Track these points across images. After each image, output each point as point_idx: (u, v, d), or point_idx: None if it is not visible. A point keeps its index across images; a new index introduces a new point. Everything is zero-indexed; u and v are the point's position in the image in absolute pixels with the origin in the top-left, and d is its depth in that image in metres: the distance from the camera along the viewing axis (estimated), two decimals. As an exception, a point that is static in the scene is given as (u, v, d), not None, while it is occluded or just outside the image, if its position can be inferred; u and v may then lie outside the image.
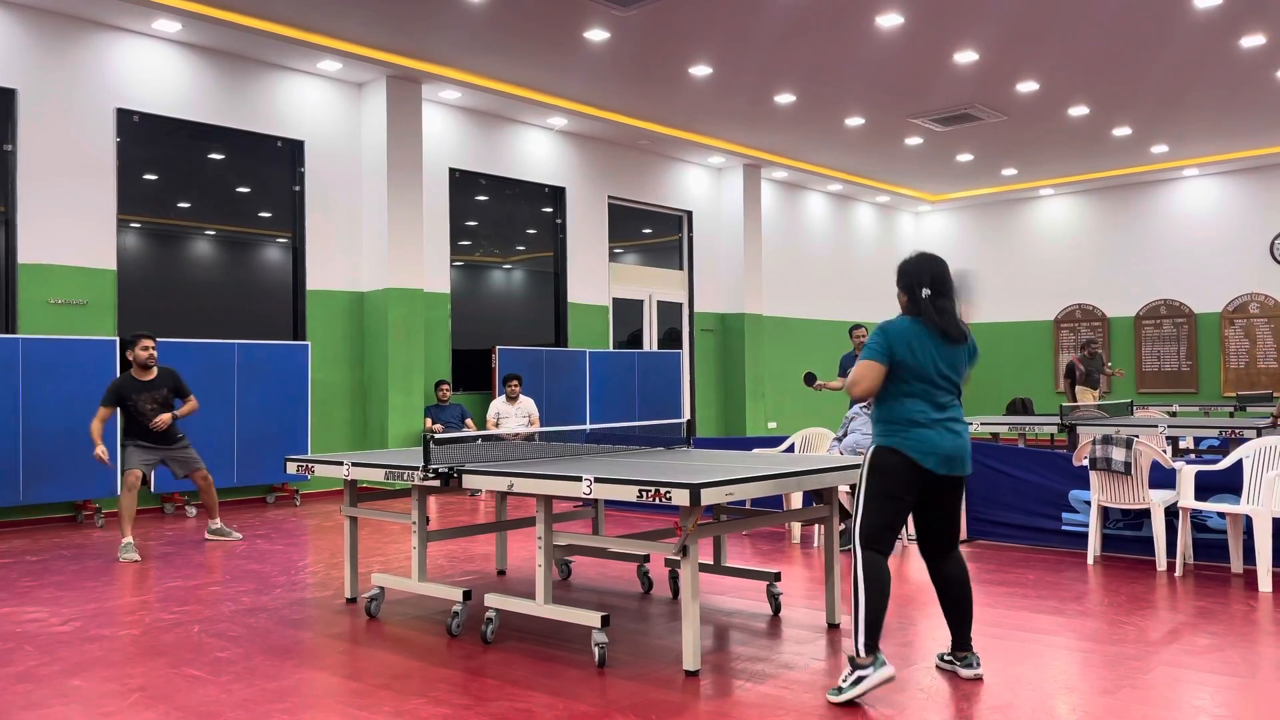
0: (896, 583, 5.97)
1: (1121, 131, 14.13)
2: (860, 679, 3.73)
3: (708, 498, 3.88)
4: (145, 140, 9.83)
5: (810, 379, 7.92)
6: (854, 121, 13.50)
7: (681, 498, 3.86)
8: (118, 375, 7.44)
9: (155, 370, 7.52)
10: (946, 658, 4.17)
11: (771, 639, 4.71)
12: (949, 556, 4.07)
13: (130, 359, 7.46)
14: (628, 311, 14.64)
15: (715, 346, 15.81)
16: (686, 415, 15.14)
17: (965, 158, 15.74)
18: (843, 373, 10.73)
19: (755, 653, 4.48)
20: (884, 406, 3.93)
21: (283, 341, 10.29)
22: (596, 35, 10.08)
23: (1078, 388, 13.52)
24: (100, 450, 7.15)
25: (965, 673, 4.06)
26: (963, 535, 7.53)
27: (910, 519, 4.32)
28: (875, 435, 3.96)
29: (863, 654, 3.76)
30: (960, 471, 3.91)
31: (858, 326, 10.78)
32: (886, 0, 9.30)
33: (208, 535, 7.86)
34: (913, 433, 3.85)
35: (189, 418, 8.49)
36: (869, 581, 3.80)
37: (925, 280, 3.93)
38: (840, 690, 3.75)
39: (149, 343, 7.46)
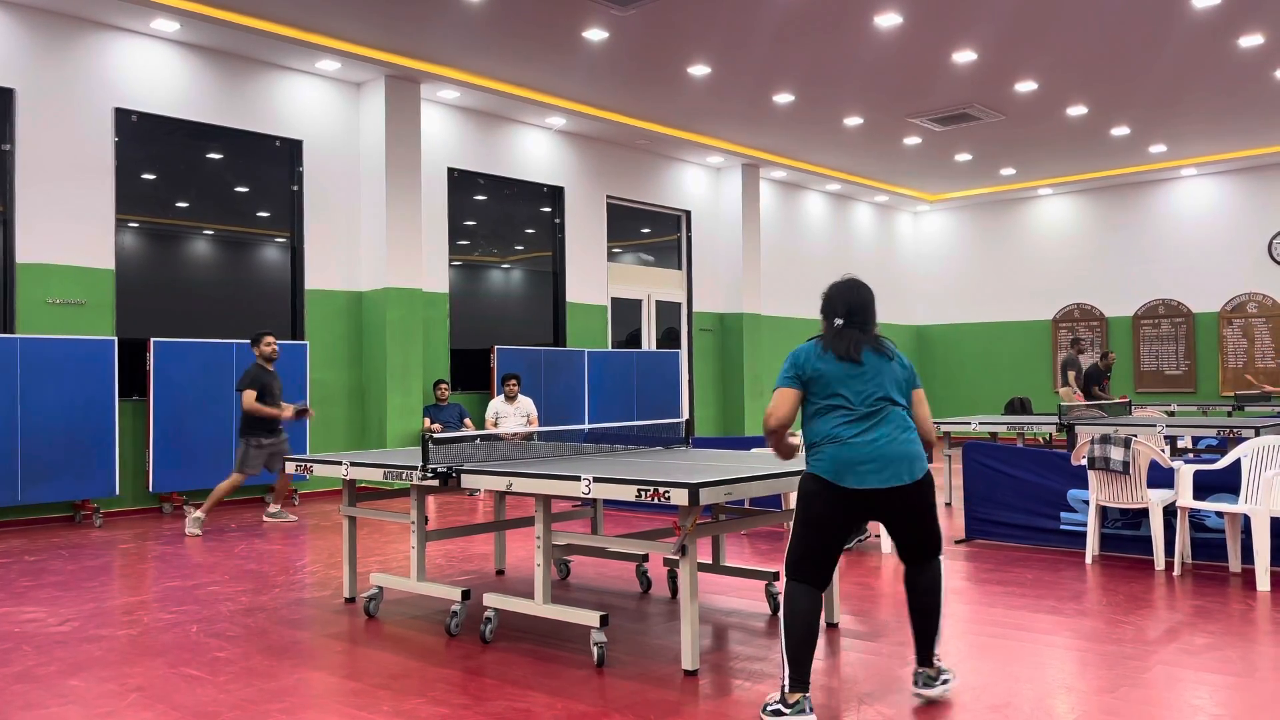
0: (892, 583, 5.97)
1: (1120, 131, 14.14)
2: (778, 714, 3.52)
3: (706, 497, 3.88)
4: (143, 140, 9.82)
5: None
6: (853, 121, 13.51)
7: (680, 497, 3.86)
8: (250, 366, 8.65)
9: (273, 365, 8.73)
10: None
11: (770, 638, 4.72)
12: (926, 565, 3.83)
13: (257, 354, 8.59)
14: (626, 311, 14.64)
15: (714, 346, 15.81)
16: (685, 415, 15.14)
17: (964, 157, 15.74)
18: None
19: (754, 652, 4.48)
20: (804, 430, 3.81)
21: (281, 341, 10.28)
22: (595, 35, 10.08)
23: (1063, 389, 13.44)
24: (291, 410, 8.58)
25: (925, 691, 3.79)
26: (961, 534, 7.54)
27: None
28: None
29: (787, 689, 3.55)
30: (884, 483, 3.64)
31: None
32: (885, 0, 9.30)
33: (266, 517, 8.83)
34: (829, 451, 3.67)
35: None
36: (788, 614, 3.62)
37: (840, 310, 3.84)
38: (764, 709, 3.57)
39: (272, 339, 8.67)
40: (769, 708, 3.56)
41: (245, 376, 8.53)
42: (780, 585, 3.71)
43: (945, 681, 3.83)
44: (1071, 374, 13.21)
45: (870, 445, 3.66)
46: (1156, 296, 17.19)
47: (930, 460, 3.87)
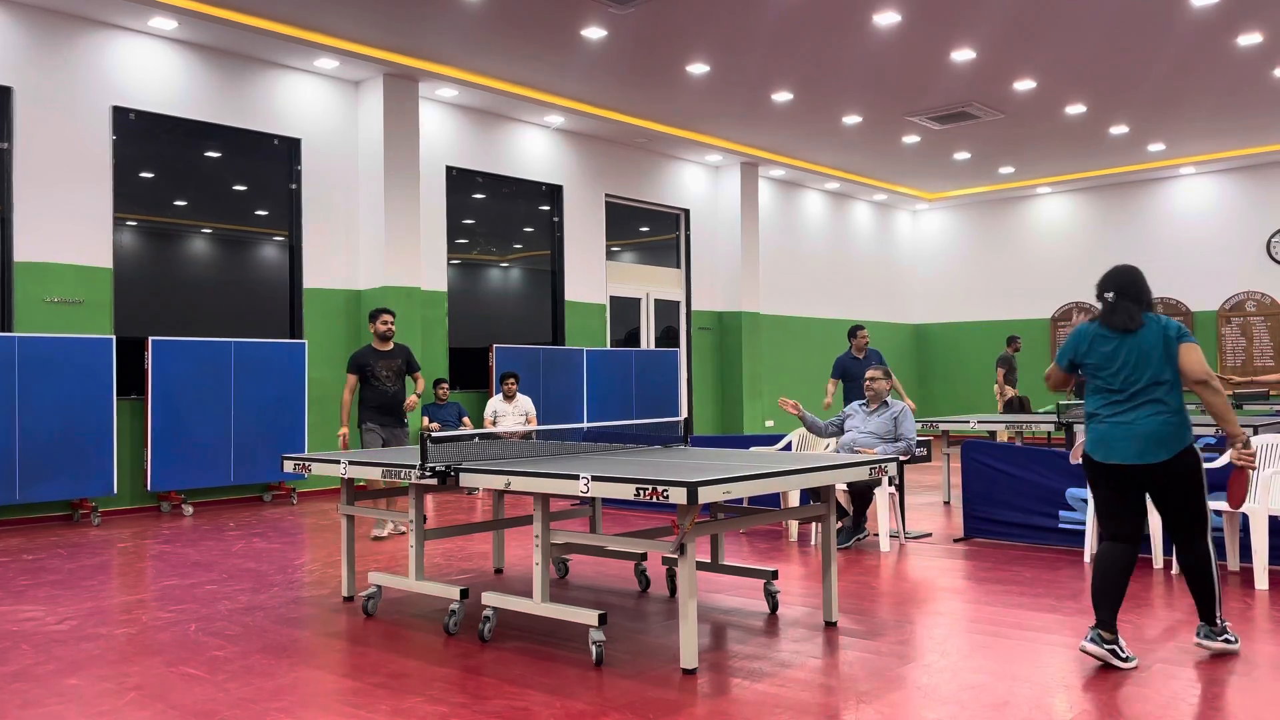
0: (894, 581, 5.97)
1: (1118, 130, 14.14)
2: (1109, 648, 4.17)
3: (705, 496, 3.87)
4: (141, 138, 9.81)
5: None
6: (851, 120, 13.50)
7: (679, 496, 3.85)
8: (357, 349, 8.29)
9: (392, 344, 8.07)
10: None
11: (769, 637, 4.71)
12: (1182, 544, 4.29)
13: (371, 331, 8.04)
14: (625, 310, 14.64)
15: (712, 345, 15.81)
16: (684, 413, 15.14)
17: (962, 156, 15.74)
18: (836, 374, 10.63)
19: (753, 651, 4.48)
20: (1086, 400, 4.42)
21: (279, 340, 10.28)
22: (594, 33, 10.07)
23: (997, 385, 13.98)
24: (344, 432, 7.74)
25: (1205, 643, 4.32)
26: (959, 533, 7.54)
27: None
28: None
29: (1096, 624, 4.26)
30: (1129, 460, 4.19)
31: (859, 328, 10.68)
32: (884, -2, 9.30)
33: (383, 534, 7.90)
34: (1092, 429, 4.32)
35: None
36: (1094, 564, 4.31)
37: (1099, 289, 4.41)
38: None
39: (389, 317, 8.01)
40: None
41: (350, 358, 8.04)
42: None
43: (1227, 640, 4.30)
44: (1001, 371, 13.96)
45: (1115, 427, 4.24)
46: (1155, 295, 17.16)
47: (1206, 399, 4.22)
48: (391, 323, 8.04)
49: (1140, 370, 4.21)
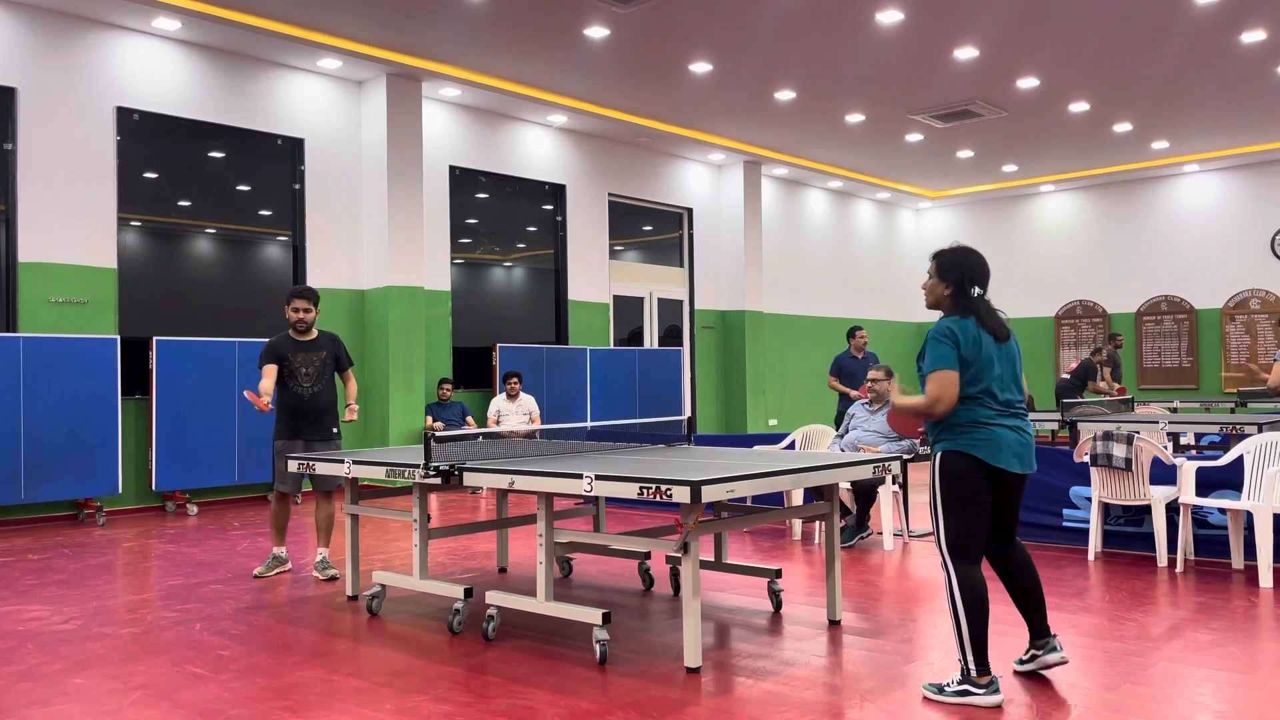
0: (898, 579, 5.98)
1: (1122, 127, 14.12)
2: (966, 692, 3.66)
3: (709, 495, 3.88)
4: (145, 138, 9.83)
5: None
6: (854, 118, 13.49)
7: (682, 495, 3.86)
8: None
9: (315, 333, 6.46)
10: (1026, 655, 4.02)
11: (773, 636, 4.72)
12: (1012, 545, 3.93)
13: (288, 317, 6.42)
14: (628, 309, 14.64)
15: (716, 343, 15.81)
16: (687, 412, 15.14)
17: (966, 154, 15.72)
18: (834, 372, 10.76)
19: (756, 650, 4.48)
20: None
21: (283, 339, 10.28)
22: (596, 32, 10.08)
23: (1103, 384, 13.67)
24: (264, 401, 5.96)
25: (1053, 658, 3.92)
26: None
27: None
28: (940, 439, 3.80)
29: (974, 671, 3.66)
30: (1030, 469, 3.80)
31: (858, 328, 10.82)
32: (886, -3, 9.29)
33: (315, 572, 6.23)
34: (979, 432, 3.71)
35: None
36: (965, 594, 3.65)
37: (977, 278, 3.88)
38: (941, 690, 3.70)
39: (302, 304, 6.29)
40: (949, 687, 3.69)
41: (264, 347, 6.36)
42: (952, 569, 3.73)
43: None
44: (1107, 370, 13.71)
45: (1014, 432, 3.73)
46: (1159, 293, 17.17)
47: None
48: (305, 310, 6.26)
49: (1014, 372, 3.89)
